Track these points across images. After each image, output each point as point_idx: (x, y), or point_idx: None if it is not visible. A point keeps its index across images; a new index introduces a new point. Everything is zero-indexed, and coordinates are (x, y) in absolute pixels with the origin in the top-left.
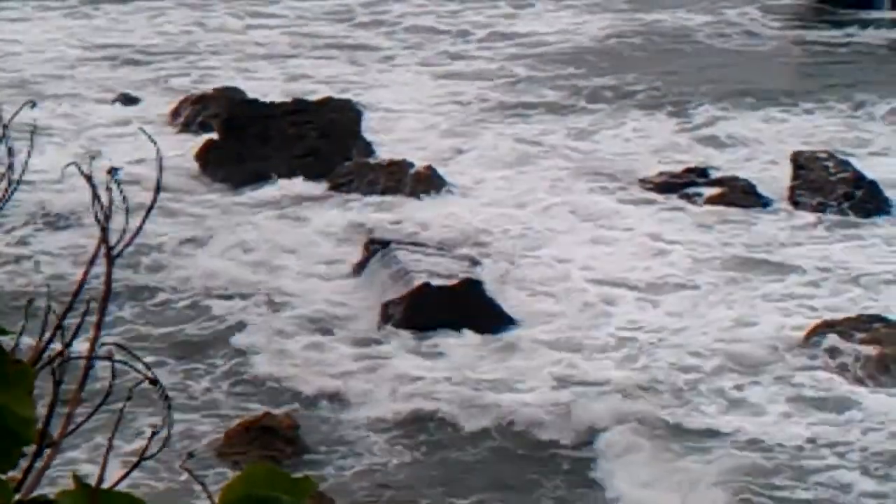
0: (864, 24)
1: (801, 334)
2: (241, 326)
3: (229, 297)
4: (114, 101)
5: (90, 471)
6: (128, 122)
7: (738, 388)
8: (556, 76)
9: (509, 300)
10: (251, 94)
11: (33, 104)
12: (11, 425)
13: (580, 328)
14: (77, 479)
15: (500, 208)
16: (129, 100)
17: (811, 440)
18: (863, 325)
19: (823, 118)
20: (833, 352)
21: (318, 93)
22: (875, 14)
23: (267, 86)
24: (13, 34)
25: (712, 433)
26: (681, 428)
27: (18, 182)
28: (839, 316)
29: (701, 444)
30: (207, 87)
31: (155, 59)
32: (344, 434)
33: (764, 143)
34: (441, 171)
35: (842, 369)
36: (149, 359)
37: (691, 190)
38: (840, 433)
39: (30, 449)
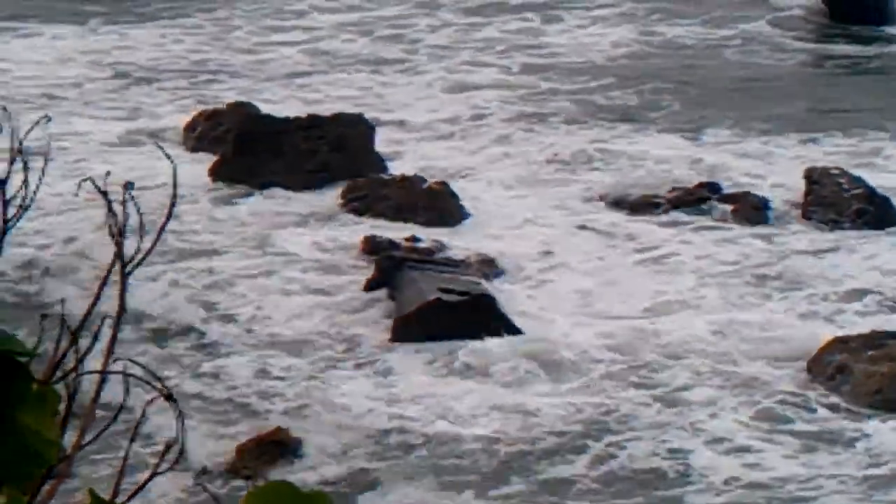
0: (882, 40)
1: (813, 352)
2: (245, 343)
3: (233, 314)
4: (124, 119)
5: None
6: (140, 140)
7: (732, 411)
8: (577, 91)
9: (519, 316)
10: (266, 111)
11: (48, 119)
12: (35, 446)
13: (569, 351)
14: (92, 493)
15: (513, 224)
16: (140, 116)
17: (807, 474)
18: (876, 342)
19: (840, 136)
20: (842, 370)
21: (333, 108)
22: (891, 30)
23: (282, 103)
24: (21, 51)
25: (693, 471)
26: (651, 468)
27: (33, 199)
28: (853, 332)
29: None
30: (221, 104)
31: (168, 76)
32: (352, 450)
33: (778, 160)
34: (455, 186)
35: (851, 391)
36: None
37: (703, 205)
38: (840, 464)
39: None
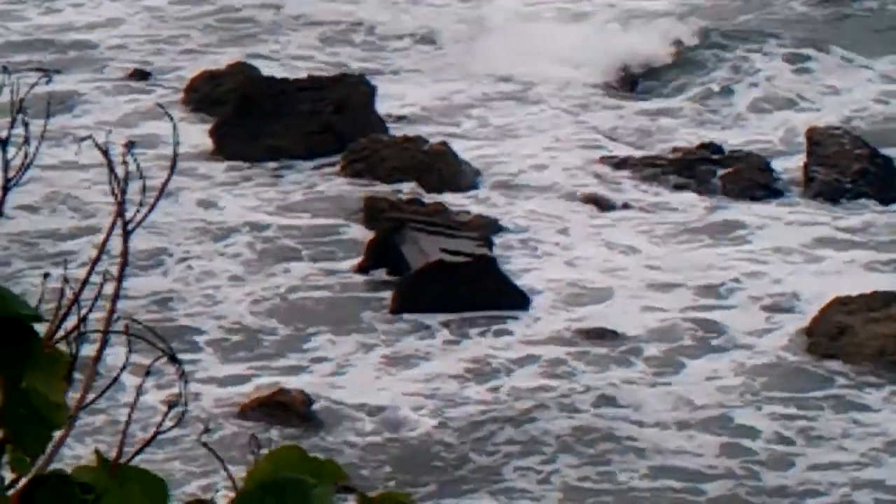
0: None
1: (813, 314)
2: (247, 304)
3: (237, 277)
4: (130, 76)
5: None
6: (143, 98)
7: (729, 372)
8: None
9: (519, 278)
10: (281, 70)
11: (49, 79)
12: (42, 410)
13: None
14: (98, 453)
15: (516, 184)
16: (145, 75)
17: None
18: (877, 304)
19: None
20: (844, 330)
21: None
22: None
23: (299, 61)
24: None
25: (684, 434)
26: (612, 436)
27: (34, 156)
28: (854, 293)
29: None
30: (222, 64)
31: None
32: (354, 414)
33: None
34: (457, 146)
35: (853, 351)
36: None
37: (704, 167)
38: (836, 426)
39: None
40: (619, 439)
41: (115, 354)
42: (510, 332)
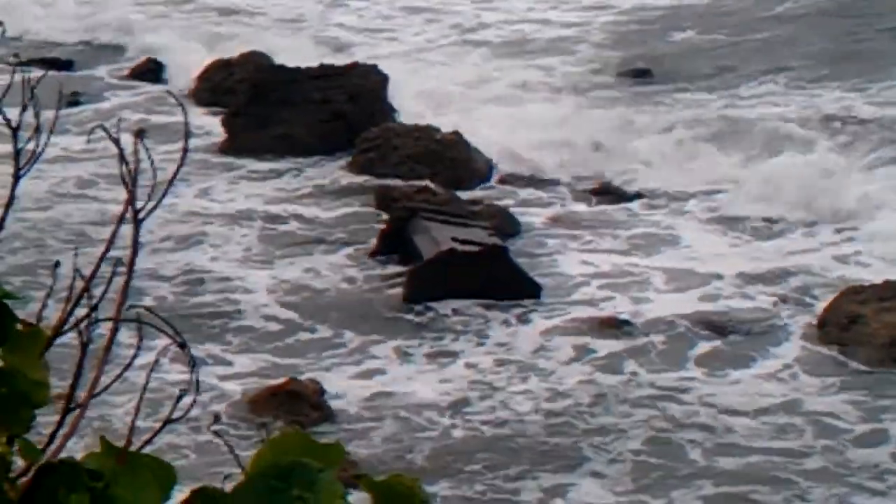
0: None
1: (825, 303)
2: (259, 294)
3: (248, 267)
4: (143, 66)
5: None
6: (155, 88)
7: (740, 362)
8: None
9: (532, 270)
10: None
11: (59, 69)
12: (22, 388)
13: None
14: (104, 440)
15: (530, 174)
16: (158, 64)
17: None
18: (889, 293)
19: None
20: (856, 320)
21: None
22: None
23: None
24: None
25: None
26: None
27: (46, 145)
28: (866, 283)
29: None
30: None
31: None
32: (367, 403)
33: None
34: (469, 136)
35: (865, 341)
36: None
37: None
38: (843, 414)
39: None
40: (683, 427)
41: (146, 344)
42: (532, 321)
